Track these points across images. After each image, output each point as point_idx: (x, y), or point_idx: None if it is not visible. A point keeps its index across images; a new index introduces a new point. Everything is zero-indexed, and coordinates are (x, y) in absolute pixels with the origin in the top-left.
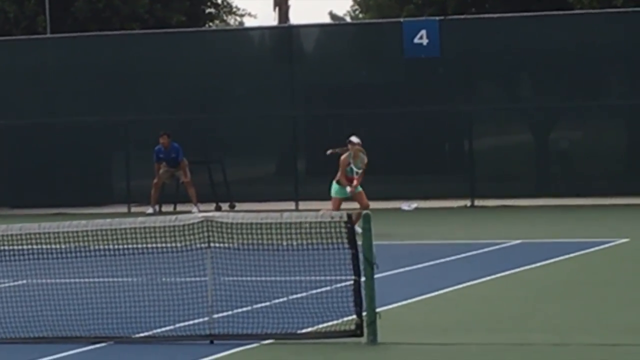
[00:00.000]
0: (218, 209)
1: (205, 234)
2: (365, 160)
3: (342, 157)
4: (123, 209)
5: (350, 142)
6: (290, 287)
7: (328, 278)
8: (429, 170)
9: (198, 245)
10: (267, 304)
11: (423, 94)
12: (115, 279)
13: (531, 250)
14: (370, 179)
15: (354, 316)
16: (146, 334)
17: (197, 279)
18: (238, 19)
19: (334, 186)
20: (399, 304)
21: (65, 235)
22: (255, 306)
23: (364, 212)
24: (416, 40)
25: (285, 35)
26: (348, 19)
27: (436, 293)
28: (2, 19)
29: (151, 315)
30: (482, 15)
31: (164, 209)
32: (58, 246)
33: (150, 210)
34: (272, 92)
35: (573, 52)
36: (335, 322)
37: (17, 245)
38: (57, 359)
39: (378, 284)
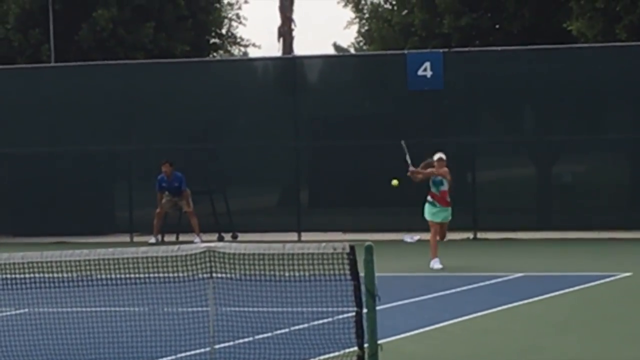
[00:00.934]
0: (220, 239)
1: (208, 264)
2: (448, 173)
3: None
4: (125, 238)
5: (441, 159)
6: (292, 318)
7: (330, 309)
8: None
9: (200, 276)
10: (269, 334)
11: (426, 126)
12: (117, 309)
13: (533, 283)
14: (373, 210)
15: (356, 348)
16: None
17: (199, 309)
18: (242, 49)
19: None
20: (401, 336)
21: (68, 264)
22: (257, 337)
23: (366, 244)
24: (420, 73)
25: (289, 66)
26: (352, 51)
27: (438, 325)
28: (6, 47)
29: (153, 345)
30: (486, 48)
31: (167, 238)
32: (60, 275)
33: (152, 239)
34: (276, 122)
35: (577, 85)
36: (336, 353)
37: (19, 273)
38: None
39: (380, 316)
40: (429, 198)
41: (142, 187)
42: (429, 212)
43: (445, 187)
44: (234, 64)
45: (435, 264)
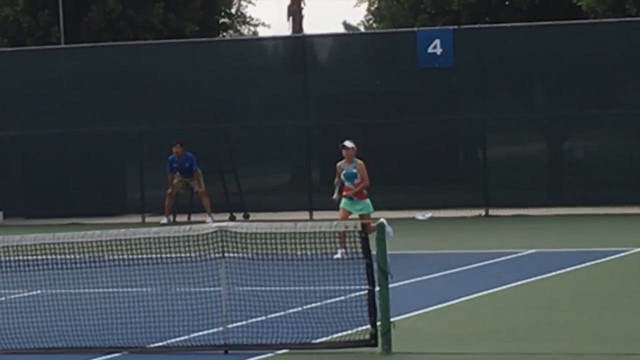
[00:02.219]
0: (232, 218)
1: (220, 244)
2: (361, 166)
3: (337, 164)
4: (137, 219)
5: (344, 146)
6: (304, 297)
7: (342, 288)
8: (443, 180)
9: (212, 255)
10: (282, 313)
11: (437, 104)
12: (130, 289)
13: (545, 259)
14: (385, 188)
15: (368, 326)
16: (160, 344)
17: (212, 289)
18: (252, 28)
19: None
20: (413, 313)
21: (80, 246)
22: (269, 316)
23: (379, 221)
24: (430, 50)
25: (299, 45)
26: (362, 29)
27: (450, 303)
28: (16, 29)
29: (165, 326)
30: (495, 25)
31: (178, 219)
32: (72, 256)
33: (164, 220)
34: (286, 101)
35: (587, 61)
36: (349, 331)
37: (32, 255)
38: None
39: (392, 294)
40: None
41: (153, 167)
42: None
43: (358, 179)
44: (243, 44)
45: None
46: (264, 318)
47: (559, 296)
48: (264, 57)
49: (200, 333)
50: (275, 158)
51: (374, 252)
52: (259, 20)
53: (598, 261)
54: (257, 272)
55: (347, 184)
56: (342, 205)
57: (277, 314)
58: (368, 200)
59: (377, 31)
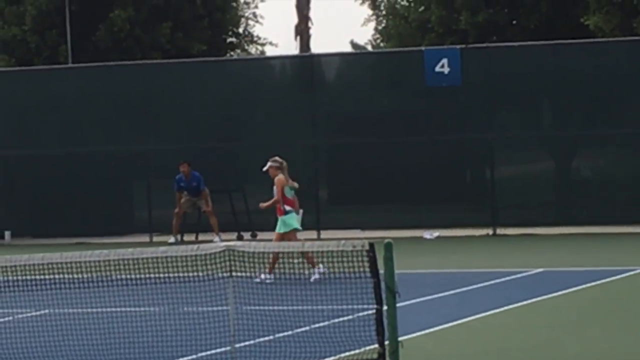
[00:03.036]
0: (240, 238)
1: (227, 263)
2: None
3: (279, 177)
4: (145, 238)
5: (276, 161)
6: (312, 316)
7: (350, 307)
8: (451, 199)
9: (220, 275)
10: (289, 333)
11: (444, 123)
12: (138, 309)
13: (553, 278)
14: (392, 207)
15: (376, 345)
16: None
17: (219, 308)
18: (259, 48)
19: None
20: (421, 332)
21: (87, 265)
22: (277, 335)
23: (386, 241)
24: (437, 69)
25: (306, 64)
26: (369, 48)
27: (458, 322)
28: (24, 49)
29: (173, 345)
30: (503, 44)
31: (186, 238)
32: (80, 276)
33: (172, 239)
34: (294, 120)
35: (594, 80)
36: (357, 351)
37: (39, 274)
38: None
39: (400, 313)
40: (287, 207)
41: (161, 187)
42: (293, 222)
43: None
44: (251, 63)
45: (315, 274)
46: (271, 337)
47: (567, 315)
48: (272, 76)
49: (208, 352)
50: None
51: (381, 271)
52: (267, 39)
53: (606, 280)
54: (264, 292)
55: (288, 195)
56: (295, 225)
57: (285, 333)
58: (282, 218)
59: (385, 50)
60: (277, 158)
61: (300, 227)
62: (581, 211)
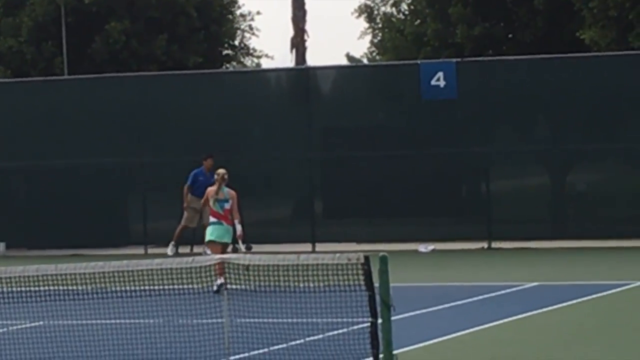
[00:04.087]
0: (235, 250)
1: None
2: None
3: (209, 189)
4: (140, 250)
5: (218, 174)
6: (307, 329)
7: (345, 320)
8: (446, 212)
9: (215, 287)
10: (284, 345)
11: (440, 136)
12: (132, 321)
13: (548, 292)
14: (387, 220)
15: (371, 358)
16: None
17: (214, 320)
18: (255, 60)
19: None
20: (416, 346)
21: (82, 277)
22: (272, 348)
23: (381, 254)
24: (433, 82)
25: (302, 76)
26: (365, 61)
27: (453, 335)
28: (19, 60)
29: (168, 357)
30: (499, 58)
31: (181, 250)
32: (75, 287)
33: (171, 248)
34: (289, 133)
35: (590, 94)
36: None
37: (34, 286)
38: None
39: (395, 326)
40: (211, 219)
41: (155, 199)
42: (208, 233)
43: (228, 205)
44: (247, 75)
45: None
46: (266, 350)
47: (562, 329)
48: (267, 88)
49: None
50: (277, 190)
51: (376, 284)
52: (262, 51)
53: (601, 294)
54: (259, 304)
55: (215, 208)
56: (217, 237)
57: (279, 346)
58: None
59: (381, 63)
60: (219, 171)
61: (214, 239)
62: (576, 225)
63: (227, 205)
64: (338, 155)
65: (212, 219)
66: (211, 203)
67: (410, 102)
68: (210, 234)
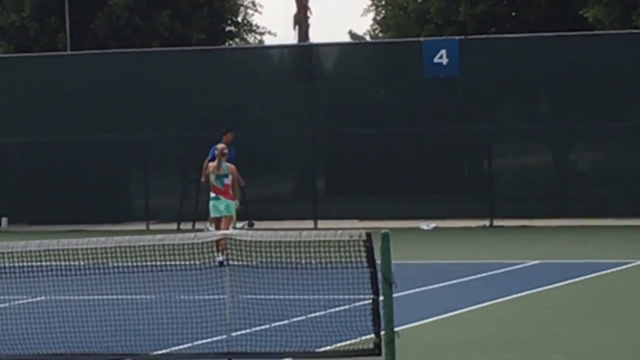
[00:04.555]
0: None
1: (224, 252)
2: (229, 168)
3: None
4: (142, 226)
5: (217, 149)
6: (308, 306)
7: (346, 297)
8: (448, 190)
9: (216, 263)
10: (286, 322)
11: (442, 114)
12: (134, 296)
13: (549, 270)
14: (390, 198)
15: (372, 335)
16: (164, 351)
17: (216, 296)
18: (258, 37)
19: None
20: (417, 323)
21: (84, 252)
22: (273, 324)
23: (383, 231)
24: (436, 60)
25: (305, 53)
26: (368, 38)
27: (454, 313)
28: (22, 35)
29: (169, 333)
30: (502, 36)
31: (183, 226)
32: (77, 263)
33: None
34: (292, 110)
35: (593, 72)
36: (353, 340)
37: (36, 261)
38: None
39: (396, 303)
40: (212, 194)
41: (158, 175)
42: (219, 208)
43: (229, 180)
44: (249, 52)
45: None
46: (268, 326)
47: (564, 307)
48: (270, 65)
49: (204, 341)
50: (280, 166)
51: (378, 261)
52: (265, 28)
53: (603, 272)
54: (261, 281)
55: (215, 183)
56: (222, 212)
57: (281, 323)
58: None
59: (383, 41)
60: (218, 146)
61: (212, 214)
62: (578, 204)
63: (227, 180)
64: (340, 132)
65: (212, 194)
66: (212, 178)
67: (413, 79)
68: (213, 210)
